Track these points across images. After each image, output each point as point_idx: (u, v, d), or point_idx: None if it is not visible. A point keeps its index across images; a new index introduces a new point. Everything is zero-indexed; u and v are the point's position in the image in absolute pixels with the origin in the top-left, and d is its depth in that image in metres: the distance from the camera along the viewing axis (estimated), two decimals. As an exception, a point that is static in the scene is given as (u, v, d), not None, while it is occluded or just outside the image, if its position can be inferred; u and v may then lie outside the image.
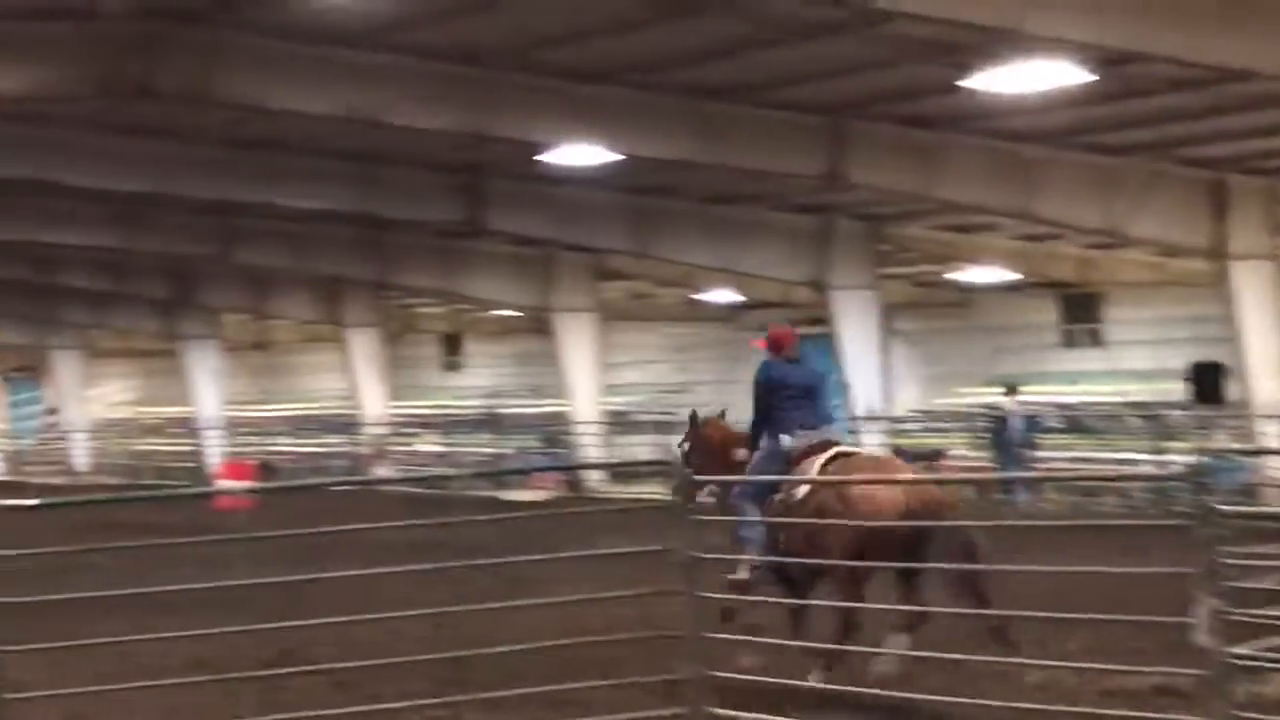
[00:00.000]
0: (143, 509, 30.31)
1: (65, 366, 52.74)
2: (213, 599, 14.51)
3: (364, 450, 40.81)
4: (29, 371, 62.73)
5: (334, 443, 45.64)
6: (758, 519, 12.19)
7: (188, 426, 49.22)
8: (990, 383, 36.65)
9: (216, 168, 29.33)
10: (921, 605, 11.26)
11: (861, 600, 11.44)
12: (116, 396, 61.54)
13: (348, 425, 42.25)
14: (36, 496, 12.04)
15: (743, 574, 12.41)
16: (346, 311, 41.99)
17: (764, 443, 12.73)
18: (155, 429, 55.00)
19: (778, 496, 12.11)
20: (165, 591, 16.23)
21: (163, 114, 25.87)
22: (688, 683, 10.34)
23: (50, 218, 34.88)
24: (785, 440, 12.50)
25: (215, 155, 29.07)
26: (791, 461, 12.32)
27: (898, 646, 11.24)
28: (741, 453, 13.18)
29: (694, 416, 14.17)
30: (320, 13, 20.21)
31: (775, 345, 13.39)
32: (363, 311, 42.13)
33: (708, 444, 13.68)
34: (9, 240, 36.70)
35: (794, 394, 12.86)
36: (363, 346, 42.13)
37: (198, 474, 45.37)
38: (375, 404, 42.03)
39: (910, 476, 12.39)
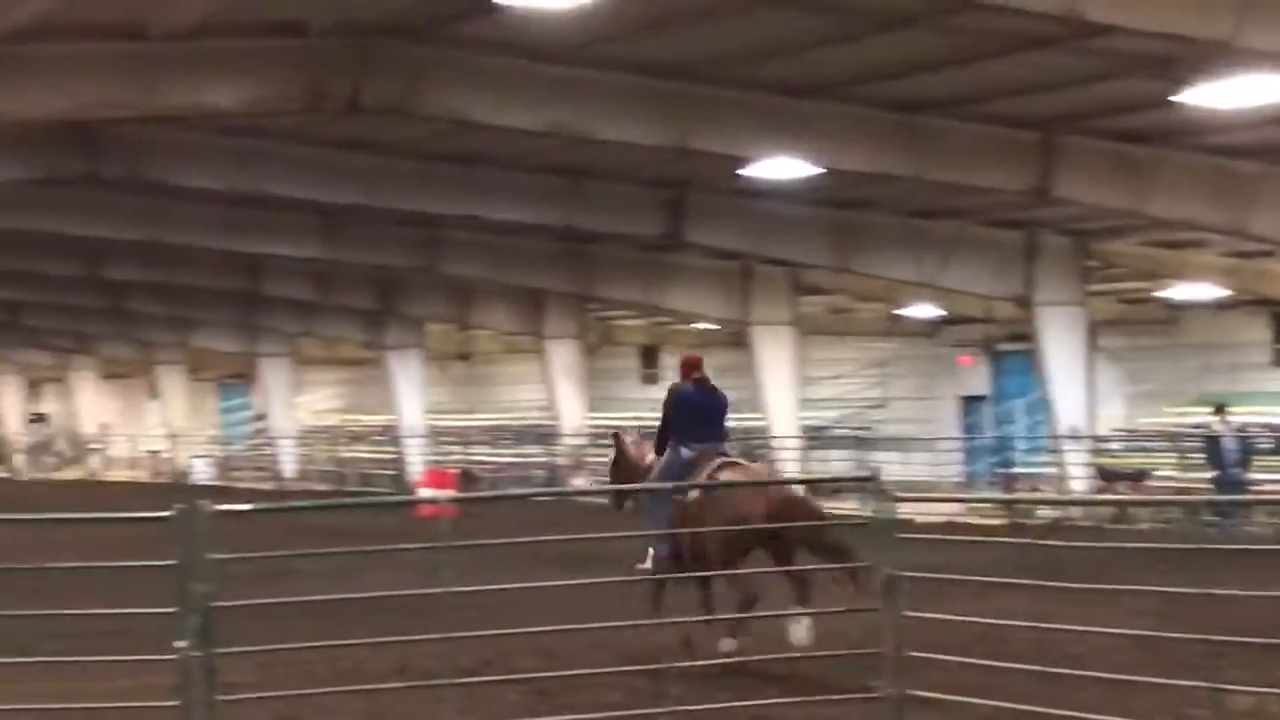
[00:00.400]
0: (347, 515, 30.92)
1: (273, 374, 53.87)
2: (416, 605, 14.73)
3: (563, 461, 41.10)
4: (239, 378, 64.29)
5: (533, 453, 46.06)
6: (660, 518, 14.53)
7: (391, 435, 49.98)
8: (1197, 402, 35.86)
9: (423, 180, 29.76)
10: (801, 581, 13.73)
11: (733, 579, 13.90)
12: (322, 404, 62.78)
13: (546, 435, 42.60)
14: (246, 501, 12.33)
15: (648, 563, 14.88)
16: (547, 323, 42.36)
17: (668, 452, 14.87)
18: (359, 436, 55.99)
19: (676, 498, 14.38)
20: (369, 597, 16.56)
21: (371, 128, 26.33)
22: (888, 700, 10.25)
23: (261, 229, 35.71)
24: (684, 451, 14.64)
25: (422, 168, 29.52)
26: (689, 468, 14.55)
27: (800, 621, 13.41)
28: (650, 457, 15.38)
29: (617, 436, 16.10)
30: (526, 28, 20.42)
31: (685, 369, 15.37)
32: (563, 323, 42.47)
33: (629, 459, 15.83)
34: (222, 250, 37.63)
35: (695, 413, 14.85)
36: (562, 357, 42.45)
37: (400, 481, 46.10)
38: (574, 415, 42.32)
39: (771, 481, 17.06)
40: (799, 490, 16.02)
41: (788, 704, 11.90)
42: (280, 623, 15.05)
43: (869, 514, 10.93)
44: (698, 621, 13.79)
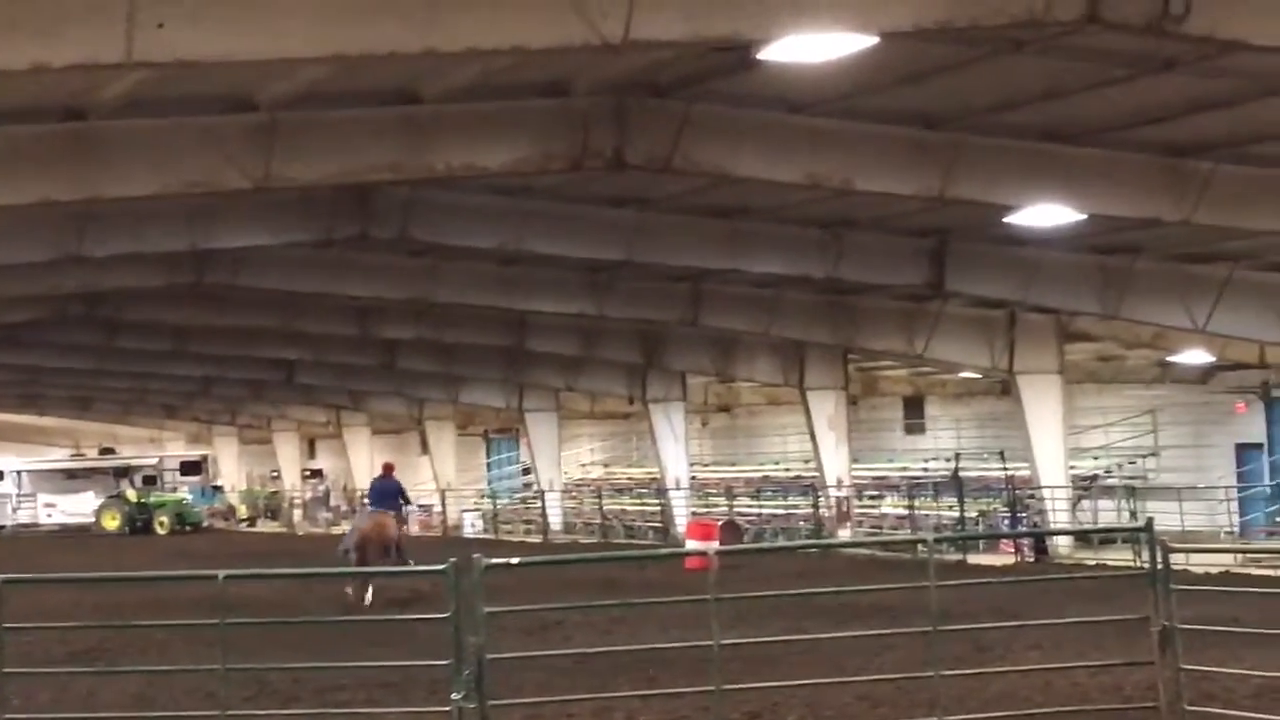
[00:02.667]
0: (614, 568, 31.22)
1: (539, 428, 54.67)
2: (682, 658, 14.83)
3: (827, 511, 40.94)
4: (506, 433, 65.40)
5: (797, 504, 45.97)
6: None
7: (655, 487, 50.31)
8: None
9: (686, 234, 29.98)
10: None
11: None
12: (586, 457, 63.49)
13: (810, 486, 42.47)
14: (515, 554, 12.55)
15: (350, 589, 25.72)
16: (809, 374, 42.27)
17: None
18: (623, 489, 56.49)
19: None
20: (638, 650, 16.69)
21: (635, 183, 26.64)
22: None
23: (527, 286, 36.31)
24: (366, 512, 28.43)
25: (684, 222, 29.74)
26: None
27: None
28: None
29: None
30: (786, 81, 20.49)
31: (384, 469, 30.93)
32: (825, 374, 42.33)
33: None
34: (488, 307, 38.36)
35: (377, 494, 29.41)
36: (824, 408, 42.31)
37: (665, 534, 46.36)
38: (837, 465, 42.14)
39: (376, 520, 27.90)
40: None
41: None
42: (550, 676, 15.29)
43: (1143, 564, 10.71)
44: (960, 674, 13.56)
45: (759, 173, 23.24)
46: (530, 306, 38.18)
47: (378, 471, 31.55)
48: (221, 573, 11.53)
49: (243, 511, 70.44)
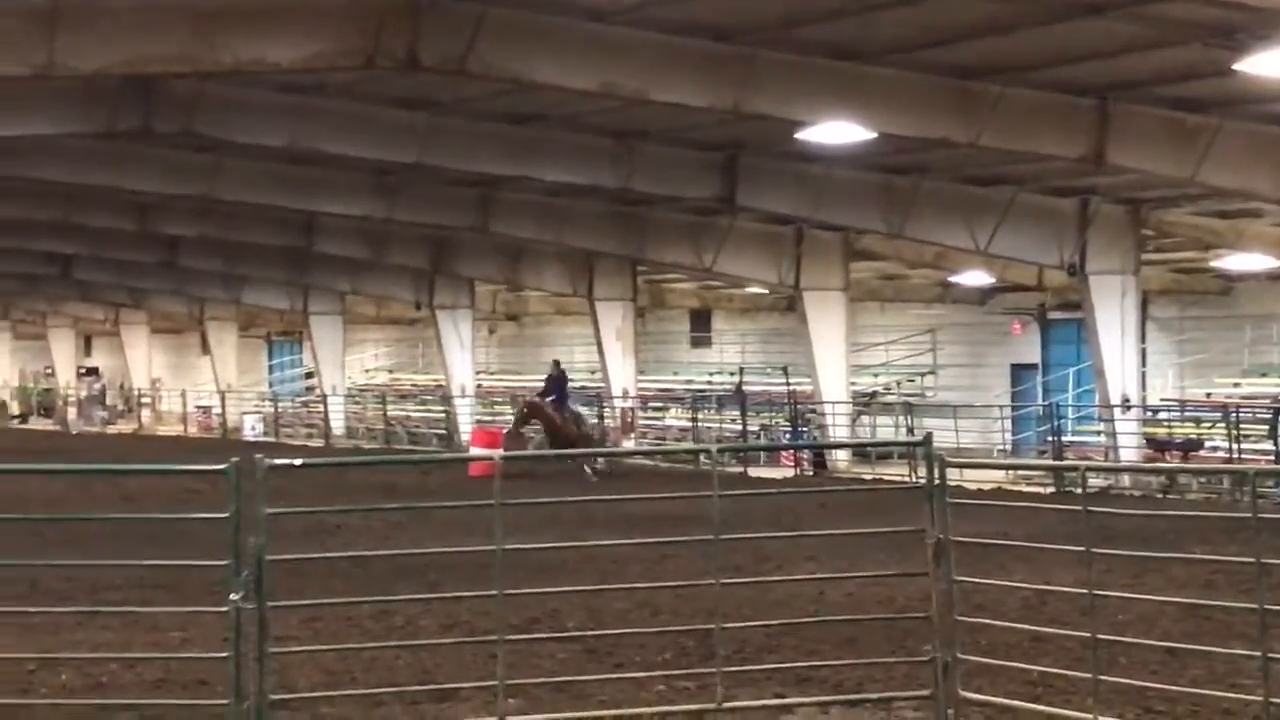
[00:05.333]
0: (397, 473, 31.12)
1: (323, 332, 54.08)
2: (464, 564, 14.84)
3: (612, 422, 41.19)
4: (289, 335, 64.62)
5: (583, 414, 46.17)
6: None
7: (440, 394, 50.17)
8: (1249, 373, 35.69)
9: (477, 140, 29.77)
10: None
11: None
12: (371, 363, 63.04)
13: (596, 398, 42.71)
14: (295, 458, 12.41)
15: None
16: (598, 284, 42.37)
17: None
18: (407, 396, 56.21)
19: None
20: (419, 554, 16.67)
21: (428, 86, 26.35)
22: (936, 663, 10.28)
23: (315, 186, 35.81)
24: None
25: (477, 128, 29.52)
26: None
27: None
28: None
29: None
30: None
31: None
32: (613, 285, 42.45)
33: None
34: (274, 206, 37.76)
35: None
36: (612, 319, 42.48)
37: (450, 441, 46.28)
38: (624, 377, 42.37)
39: None
40: None
41: (836, 665, 11.95)
42: (330, 579, 15.21)
43: (920, 479, 10.94)
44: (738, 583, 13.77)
45: (554, 79, 23.12)
46: (318, 207, 37.70)
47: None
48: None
49: (14, 408, 68.85)
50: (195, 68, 22.09)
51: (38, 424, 66.04)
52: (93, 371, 71.46)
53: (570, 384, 36.37)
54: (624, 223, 37.65)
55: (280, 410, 56.86)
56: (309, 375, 60.69)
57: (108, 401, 66.29)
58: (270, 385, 65.66)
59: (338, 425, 52.01)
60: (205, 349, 62.50)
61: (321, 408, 52.50)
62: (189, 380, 64.68)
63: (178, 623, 13.56)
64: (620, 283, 42.63)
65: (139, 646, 13.00)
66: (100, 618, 14.16)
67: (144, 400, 64.16)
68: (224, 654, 9.69)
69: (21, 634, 13.28)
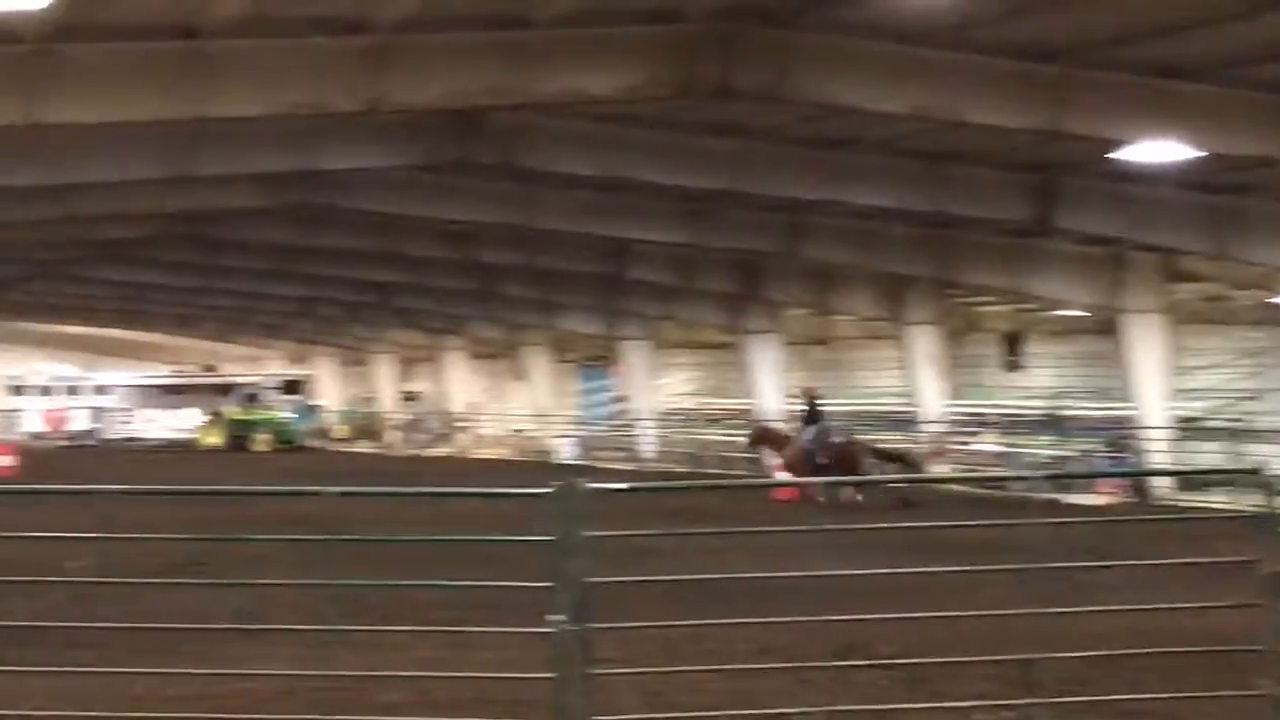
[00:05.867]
0: (709, 496, 31.25)
1: (634, 356, 54.70)
2: (777, 588, 14.83)
3: (923, 447, 40.79)
4: (600, 360, 65.51)
5: (893, 439, 45.80)
6: None
7: (749, 419, 50.28)
8: None
9: (787, 165, 29.85)
10: None
11: None
12: (680, 387, 63.52)
13: (906, 422, 42.33)
14: (610, 481, 12.50)
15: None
16: (908, 308, 42.05)
17: None
18: (716, 420, 56.44)
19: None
20: (737, 578, 16.71)
21: (738, 113, 26.53)
22: (1269, 699, 9.92)
23: (627, 213, 36.32)
24: None
25: (786, 153, 29.61)
26: None
27: None
28: None
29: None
30: (895, 11, 20.33)
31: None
32: (924, 309, 42.10)
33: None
34: (587, 234, 38.40)
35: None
36: (923, 343, 42.10)
37: (758, 465, 46.37)
38: (934, 401, 41.93)
39: None
40: None
41: (1163, 699, 11.62)
42: (644, 601, 15.36)
43: (1250, 508, 10.59)
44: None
45: (866, 104, 23.08)
46: (629, 234, 38.22)
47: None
48: (330, 489, 11.61)
49: (340, 431, 71.10)
50: (514, 100, 22.67)
51: (361, 446, 68.09)
52: (413, 396, 73.47)
53: (822, 408, 34.98)
54: (935, 246, 37.29)
55: (592, 434, 57.64)
56: (619, 400, 61.46)
57: (427, 425, 68.05)
58: (582, 410, 66.66)
59: (648, 449, 52.51)
60: (520, 374, 63.73)
61: (632, 432, 53.05)
62: (503, 405, 66.04)
63: (497, 643, 13.83)
64: (931, 306, 42.23)
65: (461, 666, 13.29)
66: (424, 637, 14.52)
67: (462, 424, 65.72)
68: (547, 674, 9.87)
69: (350, 651, 13.69)
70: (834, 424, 35.08)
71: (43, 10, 17.53)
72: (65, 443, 69.05)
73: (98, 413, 71.86)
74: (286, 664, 13.22)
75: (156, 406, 70.52)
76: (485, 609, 15.85)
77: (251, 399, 67.73)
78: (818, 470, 32.68)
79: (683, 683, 12.50)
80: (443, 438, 66.63)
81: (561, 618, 9.82)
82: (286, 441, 63.74)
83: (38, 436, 69.29)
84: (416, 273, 49.72)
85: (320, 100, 21.46)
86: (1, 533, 19.31)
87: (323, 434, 69.71)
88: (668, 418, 57.28)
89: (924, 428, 41.43)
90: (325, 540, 11.82)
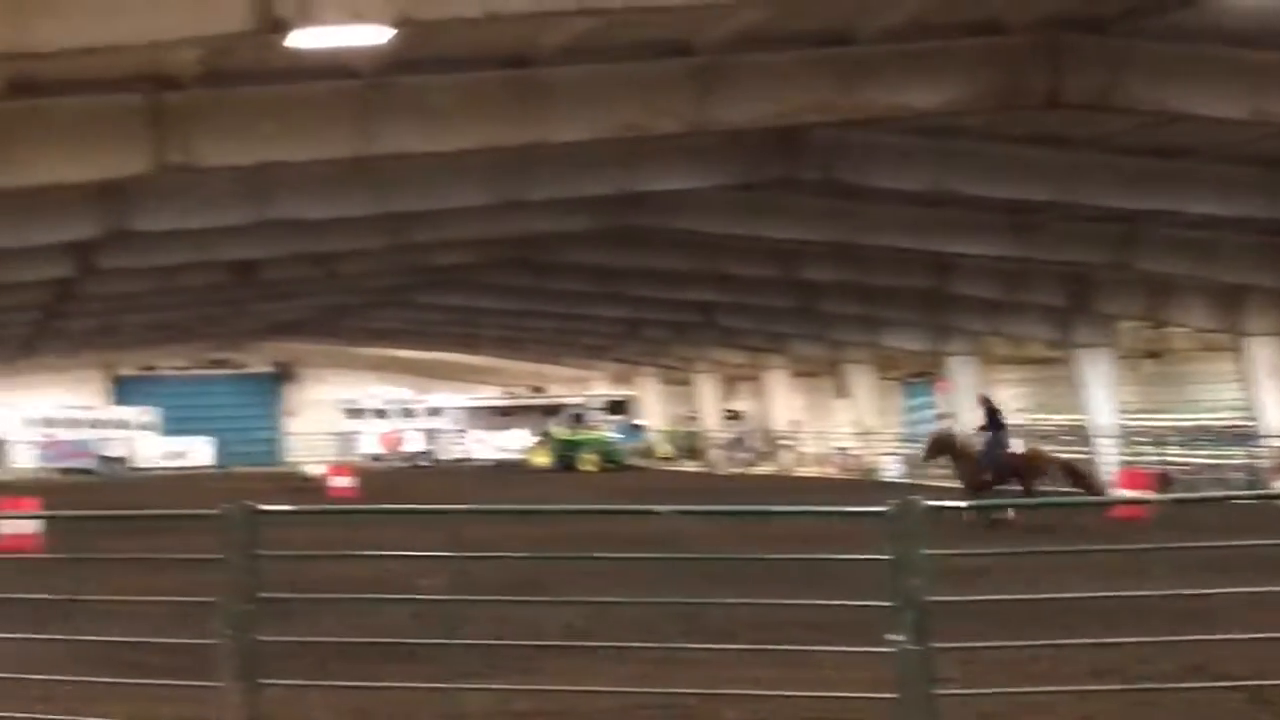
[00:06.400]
0: (1039, 514, 30.63)
1: (958, 372, 54.05)
2: (1111, 607, 14.47)
3: (1264, 463, 39.36)
4: (924, 377, 64.86)
5: (1231, 454, 44.31)
6: None
7: (1080, 434, 49.21)
8: None
9: (1118, 175, 29.14)
10: None
11: None
12: (1008, 403, 62.46)
13: (1246, 437, 40.91)
14: (935, 499, 12.33)
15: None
16: (1247, 319, 40.60)
17: None
18: (1047, 436, 55.37)
19: None
20: (1080, 598, 16.34)
21: (1064, 123, 26.04)
22: None
23: (950, 228, 35.91)
24: None
25: (1117, 163, 28.90)
26: None
27: None
28: None
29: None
30: (1231, 14, 19.72)
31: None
32: (1264, 319, 40.58)
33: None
34: (910, 249, 38.10)
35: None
36: (1264, 355, 40.60)
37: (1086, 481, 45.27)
38: (1276, 416, 40.41)
39: None
40: None
41: None
42: (974, 620, 15.11)
43: None
44: None
45: (1201, 109, 22.41)
46: (953, 249, 37.77)
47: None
48: (664, 508, 11.73)
49: (664, 451, 71.76)
50: (838, 116, 22.63)
51: (685, 466, 68.65)
52: (735, 415, 73.84)
53: (1001, 418, 33.83)
54: (1275, 254, 35.93)
55: (916, 452, 57.01)
56: (944, 416, 60.74)
57: (750, 444, 68.27)
58: (906, 427, 66.08)
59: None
60: (842, 392, 63.49)
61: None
62: (826, 423, 65.85)
63: (836, 662, 13.77)
64: (1271, 317, 40.69)
65: (800, 685, 13.27)
66: (761, 655, 14.56)
67: (784, 442, 65.75)
68: (889, 695, 9.79)
69: (684, 669, 13.78)
70: (1009, 435, 33.59)
71: (378, 44, 18.08)
72: (401, 464, 71.24)
73: (431, 434, 73.90)
74: (625, 681, 13.38)
75: (487, 428, 72.21)
76: (816, 628, 15.81)
77: (578, 419, 68.87)
78: (986, 485, 31.83)
79: (1025, 704, 12.26)
80: (765, 456, 66.73)
81: (902, 637, 9.73)
82: (612, 461, 64.60)
83: (374, 458, 71.62)
84: (738, 292, 49.93)
85: (647, 122, 21.73)
86: (349, 551, 20.02)
87: (647, 453, 70.48)
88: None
89: (1265, 443, 39.93)
90: (666, 559, 11.93)
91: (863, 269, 43.01)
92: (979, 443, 32.83)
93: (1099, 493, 32.20)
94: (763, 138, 27.32)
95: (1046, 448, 52.65)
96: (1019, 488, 31.26)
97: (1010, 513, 29.44)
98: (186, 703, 13.35)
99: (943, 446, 34.14)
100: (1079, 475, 32.83)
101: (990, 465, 32.11)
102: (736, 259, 42.81)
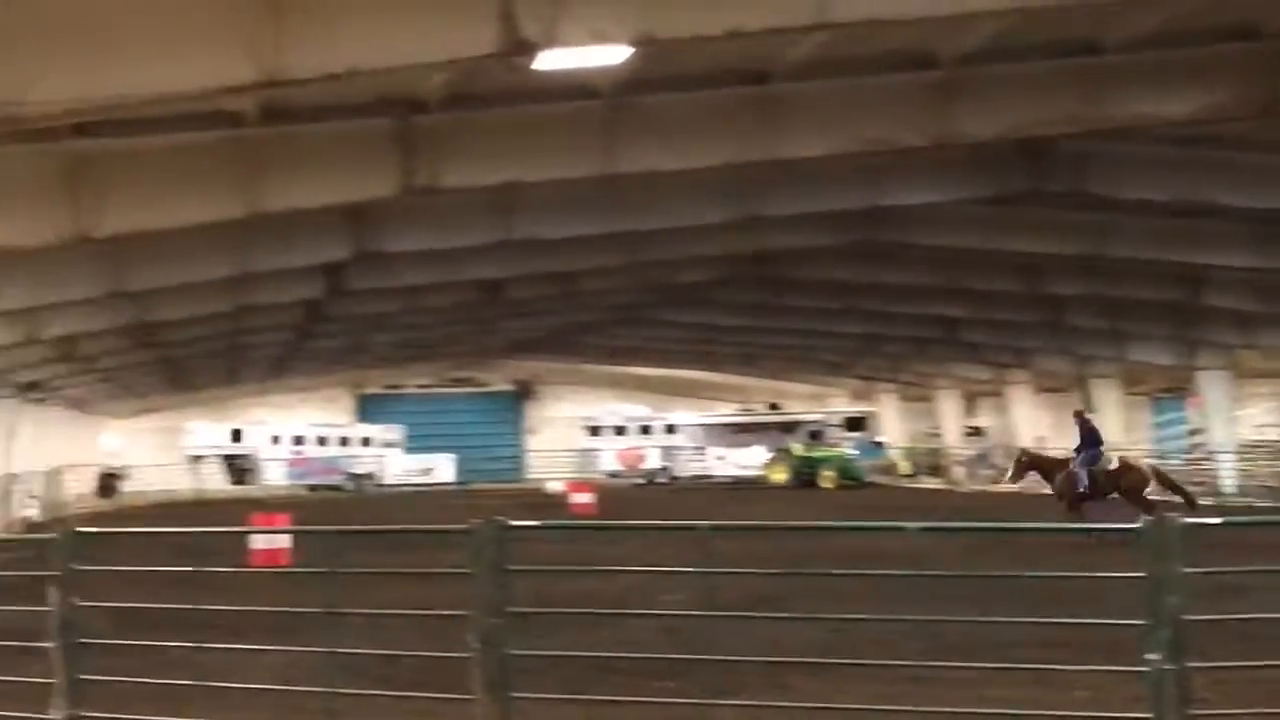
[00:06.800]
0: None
1: (1212, 387, 52.68)
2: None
3: None
4: (1174, 392, 63.37)
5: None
6: None
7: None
8: None
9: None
10: None
11: None
12: (1263, 418, 60.73)
13: None
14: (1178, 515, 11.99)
15: None
16: None
17: None
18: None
19: None
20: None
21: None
22: None
23: (1200, 238, 35.02)
24: None
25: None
26: None
27: None
28: None
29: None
30: None
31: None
32: None
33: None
34: (1159, 261, 37.24)
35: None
36: None
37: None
38: None
39: None
40: None
41: None
42: (1234, 641, 14.66)
43: None
44: None
45: None
46: (1205, 260, 36.80)
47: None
48: (912, 524, 11.60)
49: (904, 468, 71.14)
50: (1086, 127, 22.21)
51: (925, 482, 67.96)
52: (977, 431, 72.88)
53: (1097, 433, 33.54)
54: None
55: (1166, 468, 55.73)
56: (1195, 432, 59.28)
57: (992, 460, 67.32)
58: (1155, 443, 64.62)
59: (1228, 483, 50.44)
60: (1088, 407, 62.30)
61: (1209, 465, 51.08)
62: (1070, 439, 64.59)
63: (1087, 682, 13.48)
64: None
65: (1049, 705, 13.02)
66: (1008, 674, 14.32)
67: (1025, 460, 64.65)
68: (1143, 715, 9.55)
69: (928, 688, 13.62)
70: (1105, 450, 33.13)
71: (619, 63, 18.23)
72: (639, 481, 71.65)
73: (668, 451, 74.22)
74: (870, 700, 13.27)
75: (724, 444, 72.23)
76: (1064, 646, 15.51)
77: (816, 436, 68.56)
78: (1082, 500, 31.40)
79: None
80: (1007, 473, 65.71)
81: (1158, 656, 9.48)
82: (851, 478, 64.15)
83: (612, 475, 72.17)
84: (981, 306, 49.29)
85: (888, 136, 21.57)
86: (594, 567, 20.14)
87: (887, 470, 69.91)
88: (1249, 450, 54.84)
89: None
90: (911, 576, 11.79)
91: (1110, 282, 42.15)
92: (1080, 460, 32.54)
93: (1193, 502, 31.80)
94: (1007, 150, 26.94)
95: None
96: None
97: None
98: (436, 716, 13.55)
99: (1031, 464, 34.35)
100: (1175, 486, 32.59)
101: (1088, 481, 31.81)
102: (979, 273, 42.28)
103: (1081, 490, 31.66)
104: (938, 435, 73.34)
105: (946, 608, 17.25)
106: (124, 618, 15.90)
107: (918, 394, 75.42)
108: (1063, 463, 33.20)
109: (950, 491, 60.89)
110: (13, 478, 49.93)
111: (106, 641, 14.05)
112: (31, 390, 48.55)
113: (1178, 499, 31.29)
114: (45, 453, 57.73)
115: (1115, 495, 31.33)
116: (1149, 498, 31.01)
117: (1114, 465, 32.19)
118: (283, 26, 14.38)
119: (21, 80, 14.14)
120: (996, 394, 69.07)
